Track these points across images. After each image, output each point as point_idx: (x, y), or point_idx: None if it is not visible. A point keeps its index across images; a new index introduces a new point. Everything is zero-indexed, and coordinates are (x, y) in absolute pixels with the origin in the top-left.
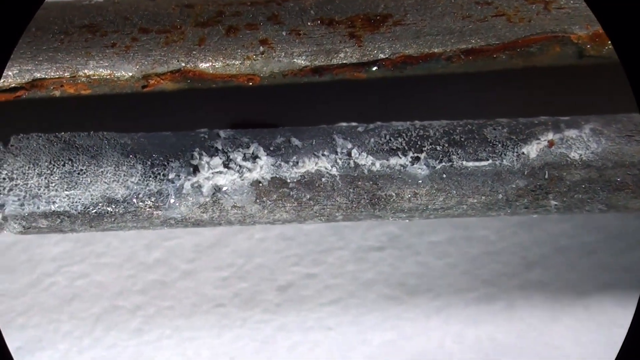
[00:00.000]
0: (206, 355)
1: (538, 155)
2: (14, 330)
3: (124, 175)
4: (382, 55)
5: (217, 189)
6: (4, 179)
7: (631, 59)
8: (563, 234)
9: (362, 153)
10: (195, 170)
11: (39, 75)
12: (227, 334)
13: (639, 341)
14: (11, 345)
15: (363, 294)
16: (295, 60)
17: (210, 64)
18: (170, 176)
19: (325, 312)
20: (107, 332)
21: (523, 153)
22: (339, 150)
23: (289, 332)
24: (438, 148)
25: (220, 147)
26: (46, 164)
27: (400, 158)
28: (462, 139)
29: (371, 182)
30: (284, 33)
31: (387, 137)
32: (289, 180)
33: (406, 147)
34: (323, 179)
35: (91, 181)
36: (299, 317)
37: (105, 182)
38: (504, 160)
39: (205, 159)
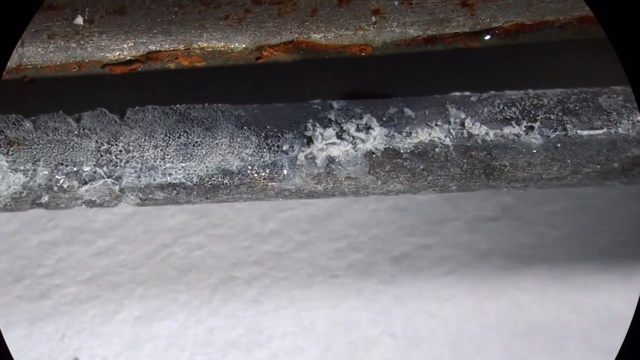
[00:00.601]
0: (322, 325)
1: None
2: (133, 300)
3: (239, 147)
4: (495, 24)
5: (330, 160)
6: (121, 151)
7: None
8: None
9: (476, 123)
10: (309, 141)
11: (153, 47)
12: (343, 304)
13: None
14: (131, 314)
15: (478, 264)
16: (407, 30)
17: (323, 34)
18: (284, 147)
19: (440, 283)
20: (224, 302)
21: (638, 121)
22: (452, 120)
23: (405, 302)
24: (552, 117)
25: (333, 118)
26: (162, 136)
27: (514, 127)
28: (577, 108)
29: (485, 152)
30: (396, 3)
31: (501, 106)
32: (402, 151)
33: (520, 117)
34: (436, 149)
35: (206, 153)
36: (414, 287)
37: (220, 154)
38: (619, 129)
39: (319, 130)
